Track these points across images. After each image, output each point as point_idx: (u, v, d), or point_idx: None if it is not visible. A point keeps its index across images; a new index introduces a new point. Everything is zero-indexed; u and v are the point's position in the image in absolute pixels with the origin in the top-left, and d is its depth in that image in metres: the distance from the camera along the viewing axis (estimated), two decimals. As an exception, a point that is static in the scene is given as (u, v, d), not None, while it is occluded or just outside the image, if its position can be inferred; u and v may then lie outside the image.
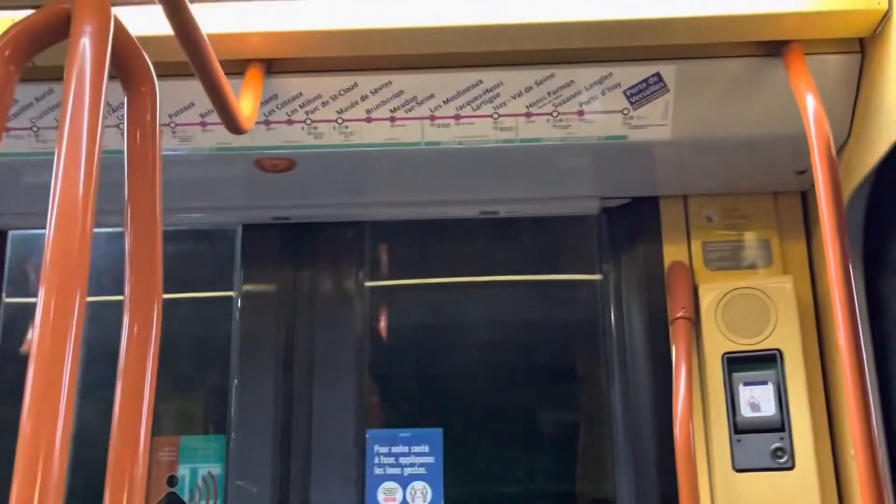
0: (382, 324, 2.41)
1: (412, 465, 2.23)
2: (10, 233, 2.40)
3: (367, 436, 2.26)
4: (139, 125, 1.07)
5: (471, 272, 2.45)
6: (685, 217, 2.23)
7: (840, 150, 1.84)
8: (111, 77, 0.95)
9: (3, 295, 2.40)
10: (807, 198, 2.21)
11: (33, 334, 0.85)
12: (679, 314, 2.08)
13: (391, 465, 2.23)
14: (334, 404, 2.25)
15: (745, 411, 1.99)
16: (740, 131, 1.87)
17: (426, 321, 2.47)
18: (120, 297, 1.06)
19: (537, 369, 2.38)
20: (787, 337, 2.02)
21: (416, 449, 2.24)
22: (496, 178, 2.12)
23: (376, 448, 2.25)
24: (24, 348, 2.42)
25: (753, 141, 1.92)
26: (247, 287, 2.33)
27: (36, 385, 0.82)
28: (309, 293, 2.34)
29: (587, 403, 2.34)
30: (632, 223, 2.28)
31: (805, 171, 2.09)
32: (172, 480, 2.23)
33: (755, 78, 1.76)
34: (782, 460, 1.94)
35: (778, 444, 1.95)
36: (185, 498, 2.23)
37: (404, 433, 2.26)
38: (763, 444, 1.96)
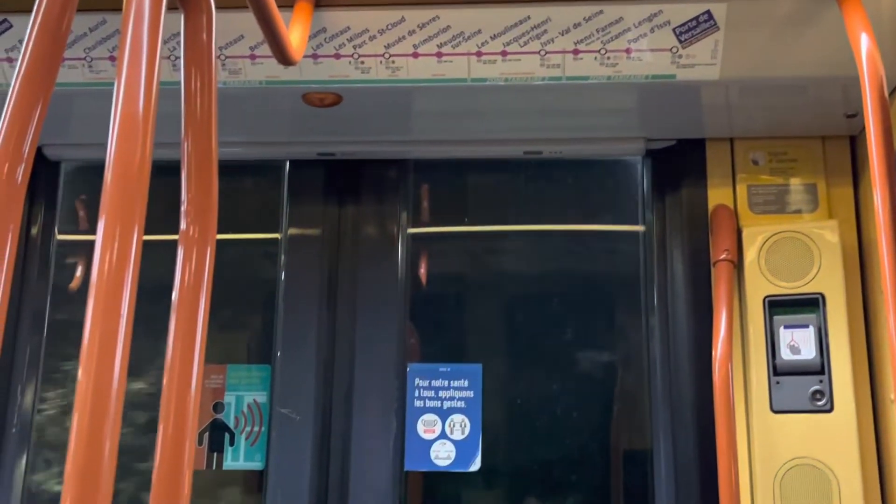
0: (424, 267, 2.44)
1: (451, 398, 2.27)
2: (63, 165, 2.44)
3: (407, 369, 2.30)
4: (196, 52, 1.08)
5: (512, 220, 2.46)
6: (731, 160, 2.22)
7: (892, 93, 1.82)
8: (168, 8, 0.96)
9: (56, 230, 2.45)
10: (856, 142, 2.18)
11: (92, 265, 0.88)
12: (721, 256, 2.08)
13: (431, 399, 2.27)
14: (376, 339, 2.29)
15: (785, 354, 1.99)
16: (790, 72, 1.84)
17: (467, 267, 2.49)
18: (173, 237, 1.08)
19: (576, 313, 2.40)
20: (830, 281, 2.01)
21: (455, 383, 2.28)
22: (541, 117, 2.11)
23: (417, 381, 2.29)
24: (72, 285, 2.48)
25: (803, 83, 1.89)
26: (293, 222, 2.37)
27: (95, 317, 0.85)
28: (353, 230, 2.37)
29: (626, 346, 2.35)
30: (677, 166, 2.27)
31: (855, 115, 2.06)
32: (218, 407, 2.30)
33: (807, 17, 1.73)
34: (821, 403, 1.95)
35: (817, 387, 1.96)
36: (231, 424, 2.29)
37: (444, 367, 2.30)
38: (802, 386, 1.96)
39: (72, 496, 0.77)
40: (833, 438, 1.92)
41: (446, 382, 2.28)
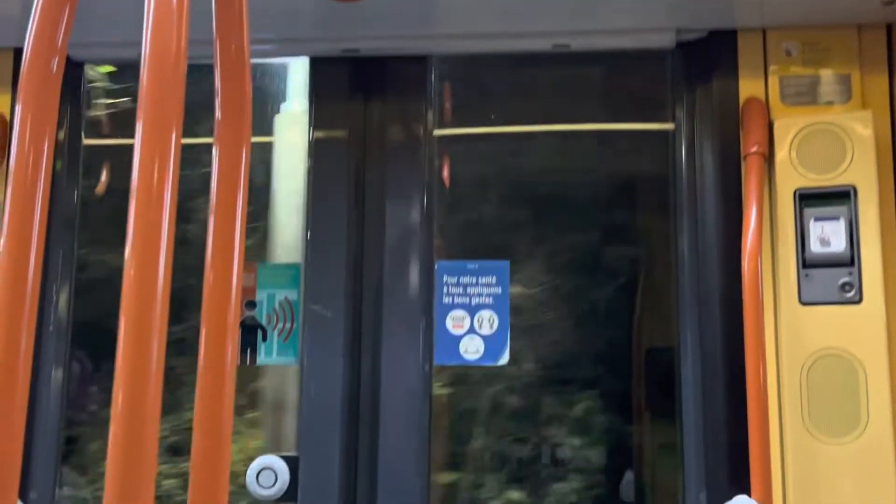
0: (451, 167, 2.43)
1: (479, 294, 2.29)
2: (86, 66, 2.43)
3: (435, 266, 2.32)
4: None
5: (539, 119, 2.43)
6: (763, 51, 2.17)
7: (934, -23, 1.76)
8: None
9: (83, 134, 2.45)
10: (892, 31, 2.13)
11: (132, 170, 0.88)
12: (752, 149, 2.06)
13: (459, 295, 2.30)
14: (404, 237, 2.30)
15: (815, 246, 1.99)
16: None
17: (494, 167, 2.48)
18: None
19: (603, 212, 2.40)
20: (862, 173, 1.99)
21: (483, 280, 2.30)
22: (570, 8, 2.07)
23: (445, 278, 2.31)
24: (98, 190, 2.49)
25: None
26: (317, 121, 2.35)
27: (139, 217, 0.85)
28: (378, 129, 2.36)
29: (654, 243, 2.35)
30: (707, 58, 2.23)
31: (893, 2, 2.00)
32: (251, 305, 2.33)
33: None
34: (850, 294, 1.95)
35: (846, 279, 1.96)
36: (263, 321, 2.33)
37: (472, 265, 2.31)
38: (831, 278, 1.97)
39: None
40: (861, 329, 1.93)
41: (474, 279, 2.30)
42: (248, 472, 2.19)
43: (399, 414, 2.23)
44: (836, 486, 1.89)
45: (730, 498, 1.92)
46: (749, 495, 1.88)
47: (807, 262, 1.99)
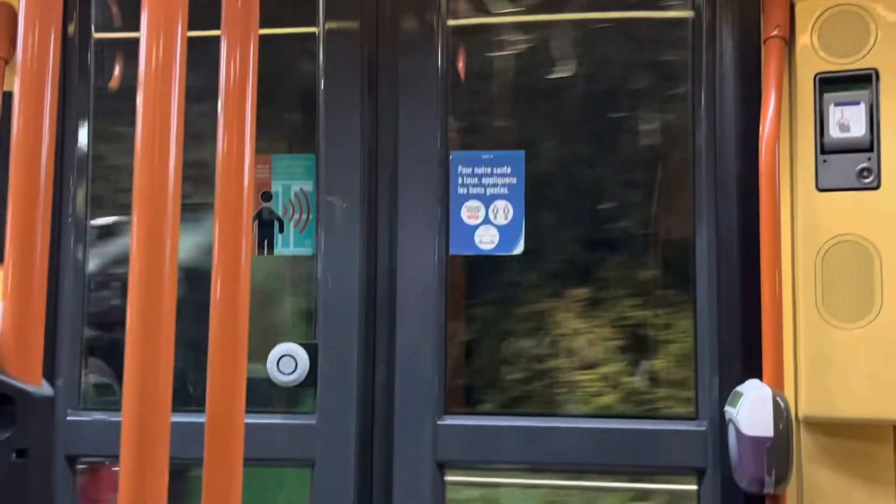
0: (465, 57, 2.39)
1: (494, 185, 2.29)
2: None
3: (450, 157, 2.31)
4: None
5: (555, 9, 2.37)
6: (786, -69, 2.10)
7: None
8: None
9: (93, 29, 2.42)
10: None
11: (139, 63, 0.87)
12: (773, 33, 2.01)
13: (474, 185, 2.30)
14: (418, 128, 2.29)
15: (834, 132, 1.96)
16: None
17: (509, 57, 2.43)
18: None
19: (620, 99, 2.37)
20: (885, 56, 1.95)
21: (498, 170, 2.29)
22: None
23: (460, 169, 2.30)
24: (111, 84, 2.47)
25: None
26: (329, 11, 2.31)
27: (147, 110, 0.85)
28: (391, 19, 2.32)
29: (671, 132, 2.33)
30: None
31: None
32: (266, 196, 2.34)
33: None
34: (867, 180, 1.94)
35: (864, 164, 1.94)
36: (280, 213, 2.34)
37: (487, 155, 2.30)
38: (849, 164, 1.95)
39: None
40: (878, 215, 1.92)
41: (489, 169, 2.29)
42: (269, 359, 2.24)
43: (415, 303, 2.26)
44: (848, 371, 1.91)
45: (742, 383, 1.94)
46: (761, 380, 1.91)
47: (825, 148, 1.97)
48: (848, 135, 1.95)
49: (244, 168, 1.05)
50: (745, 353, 2.08)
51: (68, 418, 2.33)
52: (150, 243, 0.87)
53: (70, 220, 2.39)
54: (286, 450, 2.27)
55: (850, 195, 1.95)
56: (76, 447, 2.32)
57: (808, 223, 1.97)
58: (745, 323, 2.09)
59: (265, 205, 2.34)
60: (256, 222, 2.33)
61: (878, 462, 1.95)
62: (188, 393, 2.33)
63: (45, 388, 0.80)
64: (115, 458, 0.87)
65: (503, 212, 2.28)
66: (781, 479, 1.82)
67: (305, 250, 2.34)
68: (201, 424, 1.00)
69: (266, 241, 2.34)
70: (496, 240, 2.28)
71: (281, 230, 2.34)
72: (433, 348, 2.24)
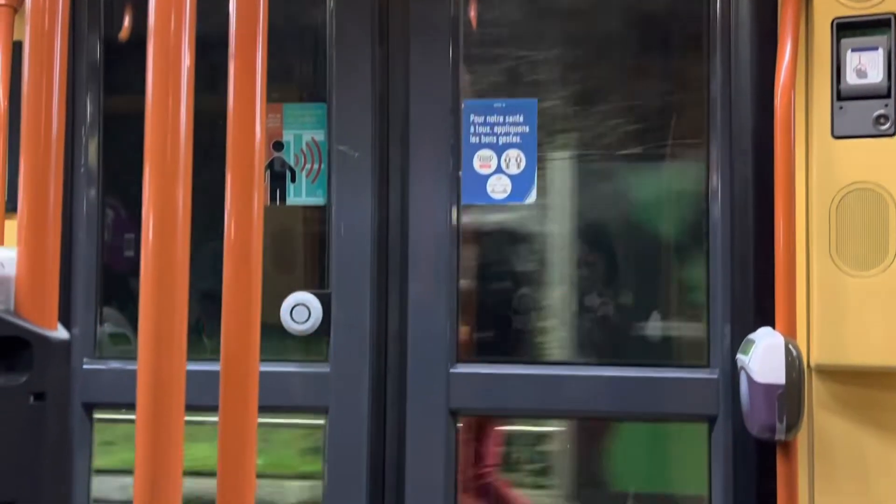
0: (477, 3, 2.36)
1: (507, 133, 2.28)
2: None
3: (462, 105, 2.29)
4: None
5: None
6: None
7: None
8: None
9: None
10: None
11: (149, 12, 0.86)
12: (790, -23, 1.97)
13: (486, 134, 2.28)
14: (430, 76, 2.27)
15: (851, 78, 1.94)
16: None
17: (523, 5, 2.40)
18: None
19: (633, 50, 2.34)
20: (904, 0, 1.91)
21: (510, 118, 2.28)
22: None
23: (472, 117, 2.29)
24: (122, 35, 2.46)
25: None
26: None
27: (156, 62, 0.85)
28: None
29: (685, 83, 2.30)
30: None
31: None
32: (278, 146, 2.34)
33: None
34: (884, 127, 1.92)
35: (881, 111, 1.92)
36: (291, 162, 2.34)
37: (499, 103, 2.29)
38: (866, 110, 1.92)
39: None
40: (894, 163, 1.91)
41: (501, 118, 2.28)
42: (282, 309, 2.25)
43: (427, 252, 2.26)
44: (860, 318, 1.91)
45: (754, 331, 1.95)
46: (773, 328, 1.92)
47: (841, 95, 1.95)
48: (865, 81, 1.93)
49: (255, 117, 1.05)
50: (758, 302, 2.08)
51: (85, 367, 2.36)
52: (162, 192, 0.87)
53: (83, 169, 2.40)
54: (301, 397, 2.30)
55: (866, 142, 1.93)
56: (93, 395, 2.36)
57: (823, 171, 1.95)
58: (758, 271, 2.09)
59: (277, 154, 2.34)
60: (268, 172, 2.33)
61: (889, 409, 1.96)
62: (203, 342, 2.35)
63: (61, 333, 0.81)
64: (131, 407, 0.88)
65: (515, 161, 2.27)
66: (792, 427, 1.83)
67: (317, 200, 2.34)
68: (216, 373, 1.01)
69: (278, 191, 2.34)
70: (508, 189, 2.27)
71: (293, 180, 2.34)
72: (445, 297, 2.25)
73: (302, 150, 2.34)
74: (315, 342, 2.31)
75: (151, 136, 0.86)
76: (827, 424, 1.98)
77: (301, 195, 2.34)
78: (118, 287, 2.46)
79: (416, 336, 2.25)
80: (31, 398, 0.78)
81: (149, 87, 0.86)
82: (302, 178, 2.34)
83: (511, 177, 2.27)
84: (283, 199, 2.34)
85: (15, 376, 0.77)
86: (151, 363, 0.87)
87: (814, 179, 1.96)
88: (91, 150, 2.41)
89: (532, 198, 2.27)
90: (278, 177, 2.33)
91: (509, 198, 2.28)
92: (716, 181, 2.17)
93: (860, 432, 1.97)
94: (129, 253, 2.44)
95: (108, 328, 2.44)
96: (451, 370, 2.24)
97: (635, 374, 2.20)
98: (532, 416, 2.31)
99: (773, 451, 1.90)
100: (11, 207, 2.08)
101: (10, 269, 0.79)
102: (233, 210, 1.04)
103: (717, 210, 2.17)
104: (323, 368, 2.28)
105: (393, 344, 2.27)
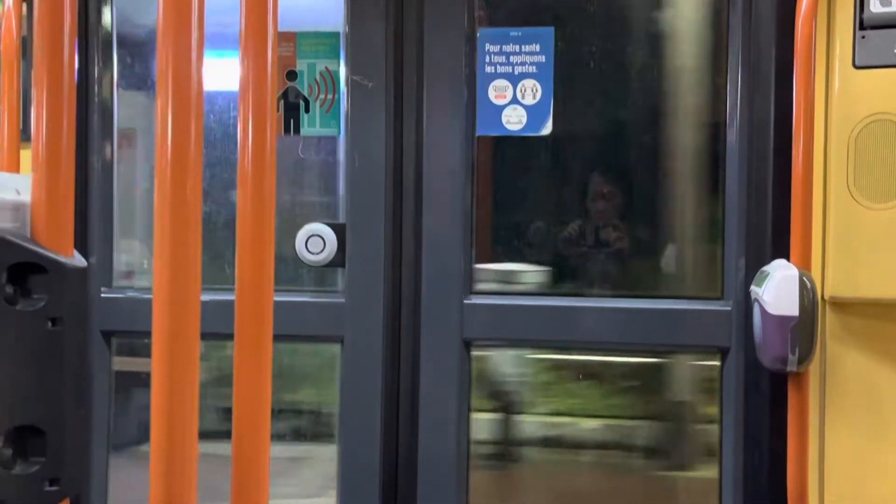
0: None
1: (522, 63, 2.25)
2: None
3: (477, 34, 2.26)
4: None
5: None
6: None
7: None
8: None
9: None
10: None
11: None
12: None
13: (502, 64, 2.26)
14: (445, 2, 2.24)
15: (874, 6, 1.90)
16: None
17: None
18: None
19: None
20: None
21: (526, 48, 2.25)
22: None
23: (487, 47, 2.26)
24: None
25: None
26: None
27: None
28: None
29: (704, 10, 2.26)
30: None
31: None
32: (291, 75, 2.32)
33: None
34: (907, 56, 1.88)
35: (905, 40, 1.88)
36: (305, 92, 2.32)
37: (515, 32, 2.25)
38: (889, 40, 1.89)
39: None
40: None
41: (517, 47, 2.25)
42: (297, 239, 2.26)
43: (442, 183, 2.26)
44: (876, 251, 1.91)
45: (769, 263, 1.94)
46: (788, 260, 1.91)
47: (864, 24, 1.91)
48: (889, 9, 1.89)
49: (267, 46, 1.04)
50: (773, 234, 2.08)
51: (102, 295, 2.39)
52: (176, 122, 0.87)
53: (96, 101, 2.39)
54: (316, 327, 2.32)
55: (888, 73, 1.89)
56: (111, 323, 2.39)
57: (844, 102, 1.92)
58: (774, 203, 2.07)
59: (290, 84, 2.32)
60: (282, 102, 2.32)
61: (903, 342, 1.97)
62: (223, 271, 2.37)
63: (77, 259, 0.81)
64: (148, 335, 0.90)
65: (531, 91, 2.25)
66: (804, 358, 1.84)
67: (331, 130, 2.33)
68: (232, 302, 1.02)
69: (292, 121, 2.33)
70: (524, 120, 2.25)
71: (307, 110, 2.32)
72: (460, 228, 2.25)
73: (315, 80, 2.32)
74: (331, 273, 2.33)
75: (163, 65, 0.86)
76: (839, 356, 1.98)
77: (315, 125, 2.33)
78: (134, 217, 2.48)
79: (431, 267, 2.26)
80: (49, 323, 0.79)
81: (160, 13, 0.85)
82: (316, 108, 2.33)
83: (526, 107, 2.25)
84: (296, 129, 2.33)
85: (32, 302, 0.78)
86: (167, 291, 0.88)
87: (833, 110, 1.94)
88: (105, 79, 2.40)
89: (548, 129, 2.25)
90: (292, 107, 2.32)
91: (524, 129, 2.26)
92: (734, 112, 2.14)
93: (872, 364, 1.98)
94: (145, 183, 2.45)
95: (125, 257, 2.46)
96: (465, 301, 2.25)
97: (648, 305, 2.21)
98: (545, 347, 2.32)
99: (785, 383, 1.91)
100: (26, 138, 2.09)
101: (26, 196, 0.80)
102: (245, 140, 1.03)
103: (734, 141, 2.15)
104: (338, 299, 2.30)
105: (407, 275, 2.28)
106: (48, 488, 0.80)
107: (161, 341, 0.88)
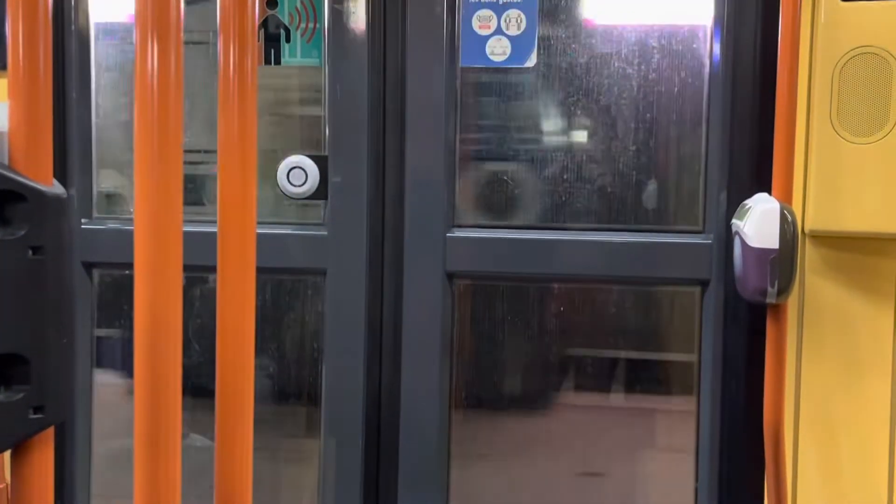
0: None
1: (507, -8, 2.22)
2: None
3: (462, -39, 2.23)
4: None
5: None
6: None
7: None
8: None
9: None
10: None
11: None
12: None
13: (486, -7, 2.23)
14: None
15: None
16: None
17: None
18: None
19: None
20: None
21: (511, -23, 2.22)
22: None
23: (471, -24, 2.23)
24: None
25: None
26: None
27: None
28: None
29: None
30: None
31: None
32: (272, 3, 2.28)
33: None
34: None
35: (892, -28, 1.86)
36: (286, 21, 2.29)
37: (500, -40, 2.22)
38: (876, -29, 1.87)
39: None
40: (902, 26, 1.87)
41: (502, -24, 2.22)
42: (279, 171, 2.25)
43: (425, 115, 2.24)
44: (857, 185, 1.92)
45: (750, 197, 1.95)
46: (770, 194, 1.92)
47: (852, -46, 1.89)
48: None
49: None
50: (754, 169, 2.08)
51: (83, 227, 2.38)
52: (155, 52, 0.86)
53: (73, 27, 2.35)
54: (299, 259, 2.32)
55: (874, 5, 1.88)
56: (92, 254, 2.38)
57: (829, 34, 1.91)
58: (757, 137, 2.08)
59: (271, 13, 2.28)
60: (262, 31, 2.28)
61: (880, 275, 1.99)
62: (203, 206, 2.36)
63: (57, 188, 0.81)
64: (130, 266, 0.90)
65: (516, 21, 2.22)
66: (783, 290, 1.86)
67: (313, 60, 2.30)
68: (214, 234, 1.02)
69: (272, 51, 2.29)
70: (508, 51, 2.23)
71: (287, 39, 2.29)
72: (443, 161, 2.24)
73: (296, 8, 2.28)
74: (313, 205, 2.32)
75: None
76: (817, 289, 2.01)
77: (296, 55, 2.30)
78: (114, 149, 2.45)
79: (414, 200, 2.26)
80: (30, 252, 0.78)
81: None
82: (297, 37, 2.29)
83: (511, 38, 2.23)
84: (277, 59, 2.30)
85: (12, 230, 0.78)
86: (148, 222, 0.87)
87: (819, 42, 1.93)
88: (81, 6, 2.35)
89: (532, 61, 2.23)
90: (272, 37, 2.28)
91: (509, 60, 2.24)
92: (718, 43, 2.13)
93: (850, 297, 2.00)
94: (125, 116, 2.42)
95: (104, 185, 2.44)
96: (448, 234, 2.25)
97: (631, 238, 2.22)
98: (527, 279, 2.33)
99: (764, 315, 1.94)
100: (2, 66, 2.05)
101: (3, 124, 0.79)
102: (225, 69, 1.02)
103: (718, 73, 2.14)
104: (320, 231, 2.30)
105: (390, 208, 2.28)
106: (33, 416, 0.80)
107: (143, 273, 0.88)
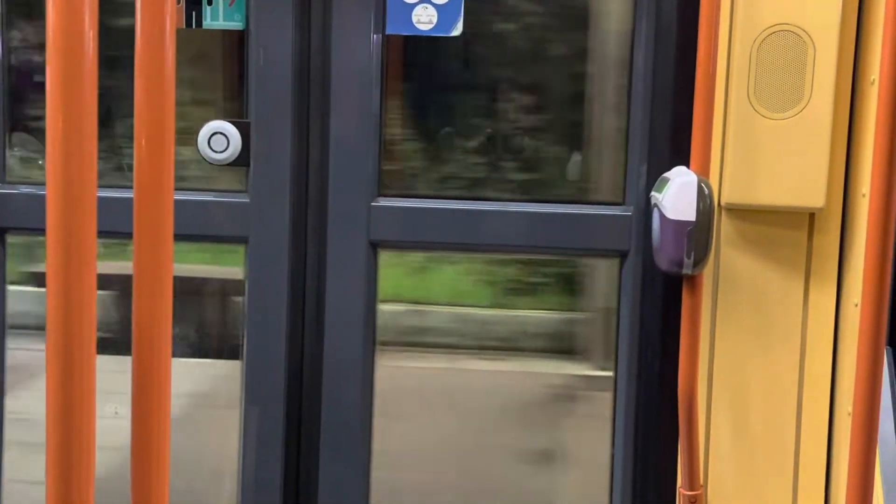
0: None
1: (434, -39, 2.21)
2: None
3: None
4: None
5: None
6: None
7: None
8: None
9: None
10: None
11: None
12: None
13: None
14: None
15: (782, -85, 1.91)
16: None
17: None
18: None
19: None
20: None
21: (437, -55, 2.20)
22: None
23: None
24: None
25: None
26: None
27: None
28: None
29: None
30: None
31: None
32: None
33: None
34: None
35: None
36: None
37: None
38: (794, -50, 1.91)
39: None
40: (818, 5, 1.92)
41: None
42: (199, 137, 2.21)
43: (350, 83, 2.22)
44: (772, 160, 1.97)
45: (669, 170, 1.99)
46: (688, 167, 1.96)
47: (772, -69, 1.92)
48: (797, -83, 1.90)
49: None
50: (674, 143, 2.12)
51: (-5, 191, 2.31)
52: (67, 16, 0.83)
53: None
54: (220, 227, 2.29)
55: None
56: (4, 220, 2.31)
57: (749, 12, 1.95)
58: (677, 111, 2.11)
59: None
60: (182, -8, 2.23)
61: (793, 247, 2.05)
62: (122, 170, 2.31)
63: None
64: (42, 231, 0.87)
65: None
66: (699, 262, 1.91)
67: (235, 24, 2.25)
68: (131, 199, 1.00)
69: (193, 14, 2.24)
70: (434, 20, 2.22)
71: (209, 2, 2.24)
72: (368, 130, 2.23)
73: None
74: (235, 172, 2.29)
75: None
76: (732, 260, 2.06)
77: (218, 19, 2.25)
78: (27, 110, 2.38)
79: (338, 168, 2.24)
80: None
81: None
82: (219, 0, 2.24)
83: (437, 6, 2.21)
84: (199, 21, 2.25)
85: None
86: (61, 190, 0.85)
87: (738, 19, 1.96)
88: None
89: (458, 30, 2.22)
90: (194, -1, 2.23)
91: (435, 29, 2.23)
92: (639, 20, 2.15)
93: (763, 269, 2.06)
94: (39, 78, 2.34)
95: (17, 152, 2.36)
96: (373, 203, 2.25)
97: (552, 210, 2.25)
98: (451, 249, 2.35)
99: (680, 286, 1.99)
100: None
101: None
102: (143, 33, 1.00)
103: (640, 49, 2.16)
104: (242, 199, 2.27)
105: (314, 176, 2.26)
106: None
107: (56, 239, 0.86)
